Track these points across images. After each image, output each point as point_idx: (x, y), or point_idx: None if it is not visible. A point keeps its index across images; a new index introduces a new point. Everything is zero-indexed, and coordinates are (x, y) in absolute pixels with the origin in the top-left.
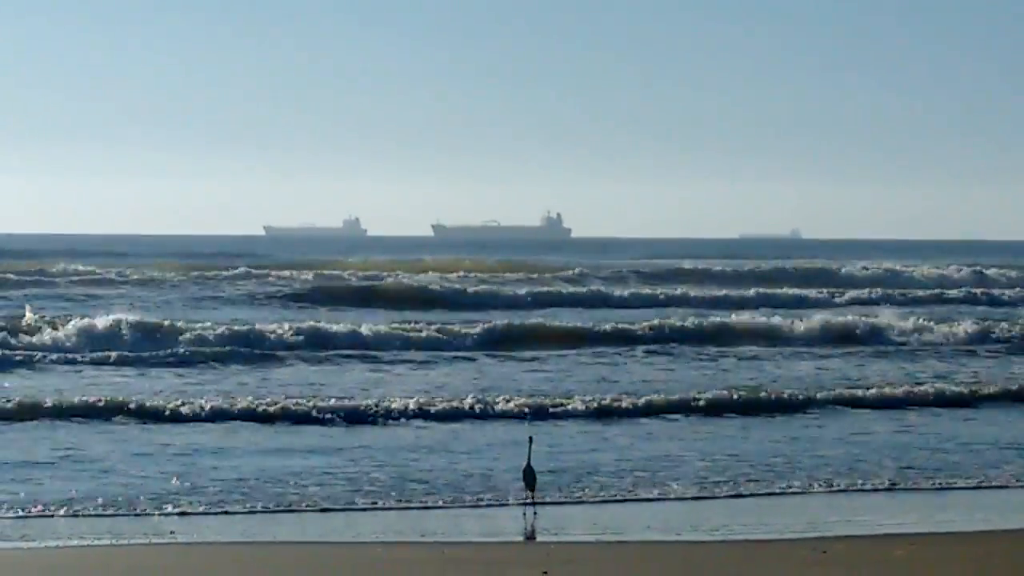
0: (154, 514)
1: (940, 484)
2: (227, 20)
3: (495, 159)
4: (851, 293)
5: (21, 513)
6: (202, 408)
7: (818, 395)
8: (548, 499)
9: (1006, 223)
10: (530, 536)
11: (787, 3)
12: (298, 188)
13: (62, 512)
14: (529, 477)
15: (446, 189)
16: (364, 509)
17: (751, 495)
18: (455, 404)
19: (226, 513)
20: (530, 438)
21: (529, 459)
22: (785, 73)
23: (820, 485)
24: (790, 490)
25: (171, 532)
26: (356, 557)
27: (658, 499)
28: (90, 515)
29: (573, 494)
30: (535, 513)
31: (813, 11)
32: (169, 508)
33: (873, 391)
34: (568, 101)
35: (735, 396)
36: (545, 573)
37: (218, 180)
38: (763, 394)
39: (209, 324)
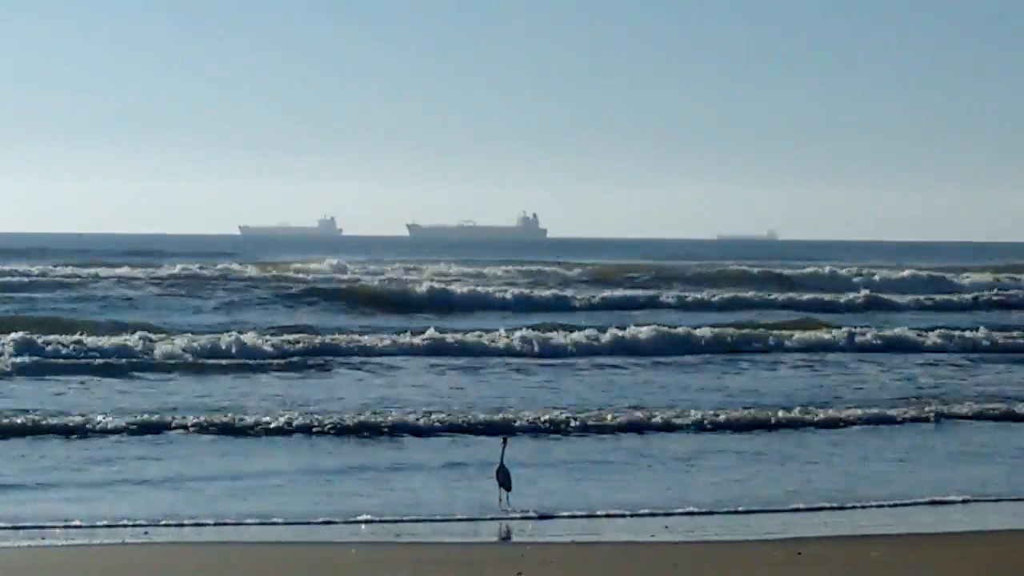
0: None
1: None
2: (202, 22)
3: (471, 159)
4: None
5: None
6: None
7: None
8: None
9: (982, 224)
10: (505, 536)
11: (763, 7)
12: (273, 188)
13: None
14: (503, 476)
15: (422, 189)
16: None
17: None
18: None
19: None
20: (504, 439)
21: (502, 459)
22: (762, 76)
23: None
24: None
25: (145, 532)
26: (331, 558)
27: None
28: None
29: None
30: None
31: (790, 15)
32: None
33: None
34: (545, 102)
35: None
36: (520, 574)
37: (193, 180)
38: None
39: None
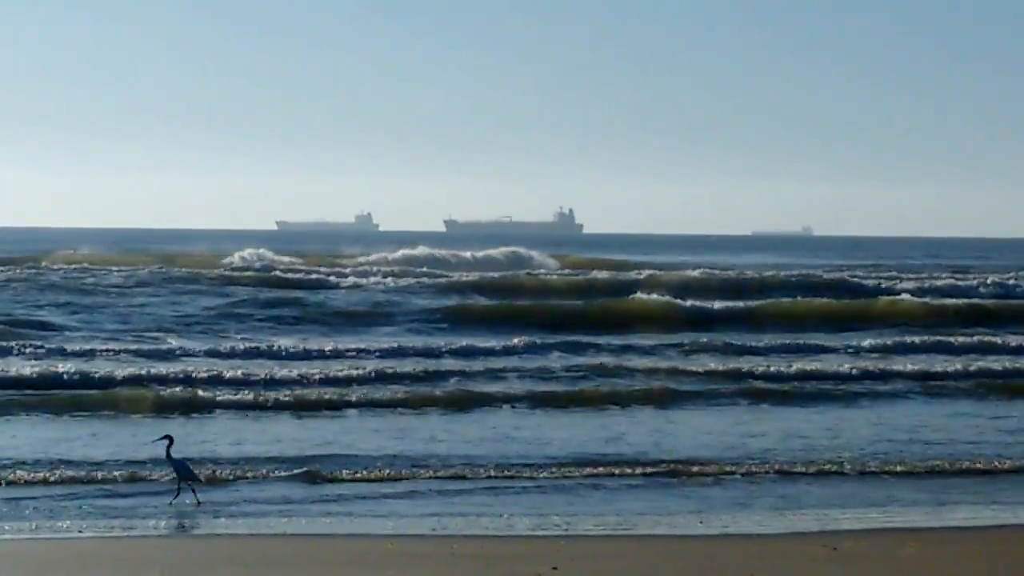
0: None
1: None
2: (243, 18)
3: (508, 155)
4: None
5: None
6: None
7: None
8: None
9: (1017, 220)
10: (181, 527)
11: (801, 2)
12: (311, 183)
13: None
14: (180, 468)
15: (458, 185)
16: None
17: None
18: None
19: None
20: (167, 436)
21: (169, 456)
22: (799, 72)
23: None
24: None
25: (183, 525)
26: (366, 551)
27: None
28: None
29: None
30: (198, 503)
31: (827, 10)
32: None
33: None
34: (581, 98)
35: None
36: (555, 569)
37: (230, 175)
38: None
39: None
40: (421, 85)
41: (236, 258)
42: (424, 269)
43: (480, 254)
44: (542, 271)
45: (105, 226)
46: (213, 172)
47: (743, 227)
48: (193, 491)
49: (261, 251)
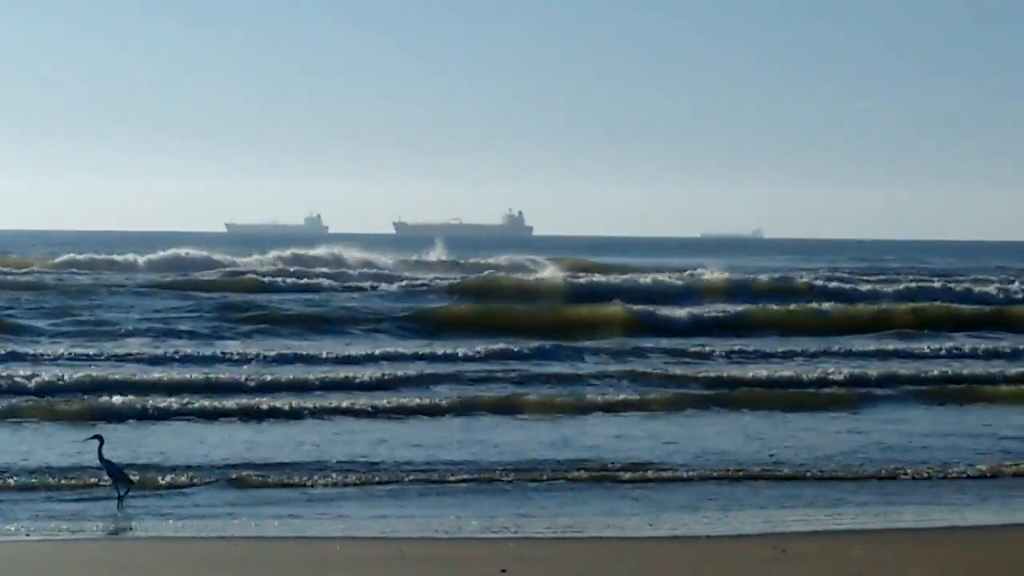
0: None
1: None
2: (191, 19)
3: (457, 157)
4: None
5: None
6: None
7: None
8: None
9: (961, 223)
10: (113, 532)
11: (751, 7)
12: (260, 185)
13: None
14: (112, 470)
15: (408, 187)
16: None
17: None
18: None
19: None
20: (98, 436)
21: (101, 456)
22: (748, 74)
23: None
24: None
25: (130, 528)
26: (315, 554)
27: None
28: None
29: None
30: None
31: (776, 16)
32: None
33: None
34: (531, 100)
35: None
36: (504, 571)
37: (177, 176)
38: None
39: None
40: (369, 87)
41: (194, 259)
42: (390, 272)
43: (470, 260)
44: (518, 274)
45: (49, 228)
46: (159, 173)
47: (693, 229)
48: (125, 492)
49: (248, 259)
